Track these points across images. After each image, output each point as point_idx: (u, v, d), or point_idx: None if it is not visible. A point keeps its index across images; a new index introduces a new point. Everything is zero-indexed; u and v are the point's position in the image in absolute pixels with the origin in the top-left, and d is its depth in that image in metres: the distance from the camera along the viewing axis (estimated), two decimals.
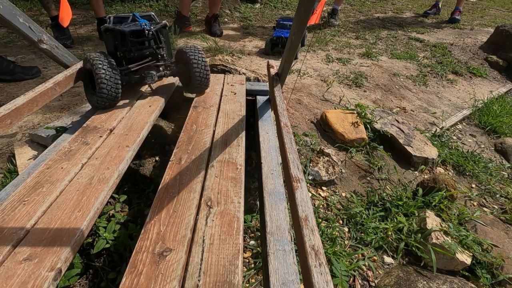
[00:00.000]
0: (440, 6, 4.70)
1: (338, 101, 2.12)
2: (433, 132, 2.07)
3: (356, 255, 1.21)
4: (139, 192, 1.23)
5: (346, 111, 1.89)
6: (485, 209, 1.58)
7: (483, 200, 1.63)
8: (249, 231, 1.23)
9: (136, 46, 1.19)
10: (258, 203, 1.28)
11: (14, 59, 2.22)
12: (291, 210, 0.67)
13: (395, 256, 1.25)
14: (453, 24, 4.32)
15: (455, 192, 1.47)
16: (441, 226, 1.29)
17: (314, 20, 1.65)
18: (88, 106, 1.54)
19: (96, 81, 1.07)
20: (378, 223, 1.33)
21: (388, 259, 1.23)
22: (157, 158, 1.30)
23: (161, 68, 1.30)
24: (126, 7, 3.94)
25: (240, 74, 1.72)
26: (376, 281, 1.14)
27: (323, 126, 1.83)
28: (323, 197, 1.44)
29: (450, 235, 1.26)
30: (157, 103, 1.21)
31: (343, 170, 1.57)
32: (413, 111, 2.29)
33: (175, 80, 1.43)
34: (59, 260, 0.59)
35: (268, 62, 1.38)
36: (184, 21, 3.12)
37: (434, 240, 1.22)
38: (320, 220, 1.31)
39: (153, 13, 1.40)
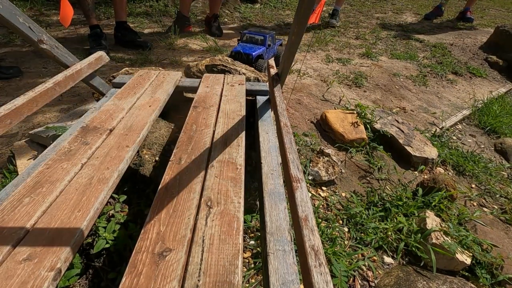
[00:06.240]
0: (443, 9, 4.68)
1: (338, 101, 2.12)
2: (433, 132, 2.07)
3: (356, 255, 1.21)
4: (139, 192, 1.23)
5: (346, 111, 1.89)
6: (485, 209, 1.58)
7: (483, 200, 1.63)
8: (249, 231, 1.23)
9: None
10: (258, 203, 1.28)
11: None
12: (291, 210, 0.67)
13: (395, 256, 1.25)
14: (468, 23, 4.37)
15: (455, 192, 1.47)
16: (441, 226, 1.29)
17: (313, 19, 1.66)
18: (88, 106, 1.54)
19: None
20: (378, 223, 1.33)
21: (388, 259, 1.23)
22: (157, 158, 1.30)
23: None
24: None
25: (240, 74, 1.71)
26: (376, 281, 1.14)
27: (323, 126, 1.83)
28: (323, 197, 1.44)
29: (450, 235, 1.26)
30: (157, 103, 1.21)
31: (343, 170, 1.56)
32: (413, 111, 2.29)
33: (175, 79, 1.43)
34: (59, 260, 0.59)
35: (268, 62, 1.39)
36: (184, 21, 3.13)
37: (434, 240, 1.22)
38: (320, 220, 1.31)
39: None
